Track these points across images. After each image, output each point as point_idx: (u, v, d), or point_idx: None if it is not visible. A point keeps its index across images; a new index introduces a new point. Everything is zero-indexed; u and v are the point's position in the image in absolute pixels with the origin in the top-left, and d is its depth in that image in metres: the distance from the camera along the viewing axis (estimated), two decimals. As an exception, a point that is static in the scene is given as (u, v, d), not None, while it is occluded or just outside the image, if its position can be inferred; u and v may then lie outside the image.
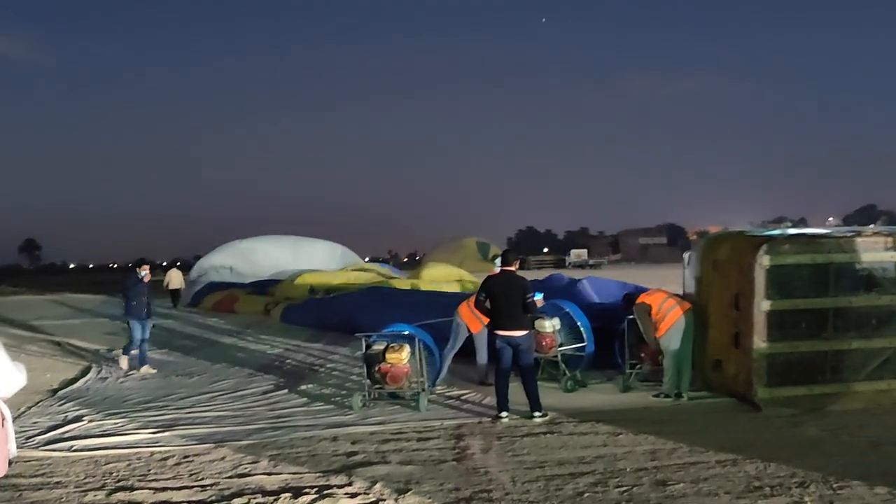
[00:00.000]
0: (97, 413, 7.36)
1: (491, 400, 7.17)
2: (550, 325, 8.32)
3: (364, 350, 7.72)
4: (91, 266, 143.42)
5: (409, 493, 4.72)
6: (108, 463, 5.59)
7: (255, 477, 5.14)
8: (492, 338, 7.23)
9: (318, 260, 27.70)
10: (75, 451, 5.93)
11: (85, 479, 5.20)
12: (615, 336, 8.57)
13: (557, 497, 4.60)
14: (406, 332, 7.81)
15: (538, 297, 8.08)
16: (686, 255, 8.49)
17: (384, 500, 4.63)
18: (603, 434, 6.09)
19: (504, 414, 6.72)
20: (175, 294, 23.81)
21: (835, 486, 4.67)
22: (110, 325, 17.16)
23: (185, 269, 29.09)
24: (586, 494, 4.65)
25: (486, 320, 7.36)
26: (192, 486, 4.96)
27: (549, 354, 8.32)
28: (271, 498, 4.70)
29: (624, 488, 4.73)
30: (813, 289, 6.98)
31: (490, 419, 6.73)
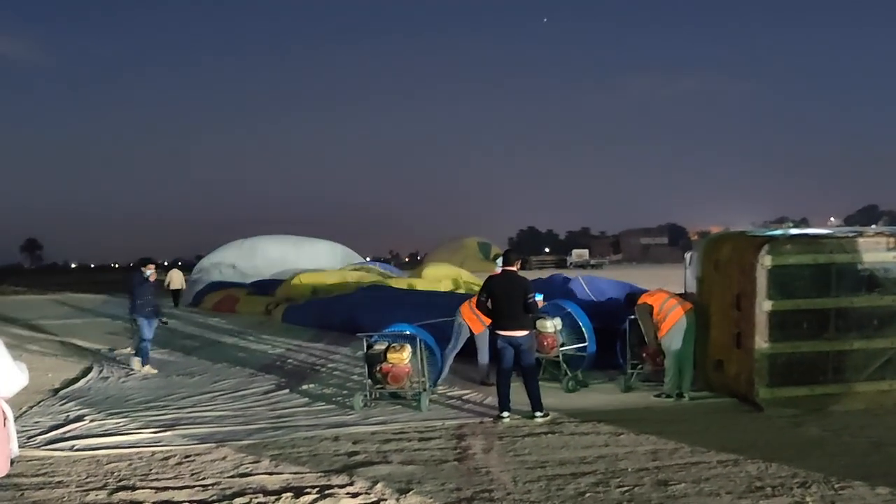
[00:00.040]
0: (99, 413, 7.36)
1: (492, 400, 7.17)
2: (552, 325, 8.32)
3: (365, 350, 7.71)
4: (93, 266, 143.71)
5: (410, 492, 4.72)
6: (110, 462, 5.59)
7: (256, 477, 5.14)
8: (493, 338, 7.23)
9: (320, 259, 27.75)
10: (77, 450, 5.94)
11: (86, 478, 5.20)
12: (616, 336, 8.57)
13: (559, 497, 4.60)
14: (407, 332, 7.81)
15: (539, 298, 8.08)
16: (687, 256, 8.49)
17: (385, 499, 4.63)
18: (604, 434, 6.09)
19: (505, 414, 6.72)
20: (176, 294, 23.89)
21: (836, 486, 4.66)
22: (112, 324, 17.21)
23: (187, 269, 29.14)
24: (588, 494, 4.64)
25: (488, 321, 7.36)
26: (194, 486, 4.97)
27: (550, 354, 8.32)
28: (273, 497, 4.70)
29: (625, 488, 4.73)
30: (815, 289, 6.98)
31: (491, 419, 6.73)
